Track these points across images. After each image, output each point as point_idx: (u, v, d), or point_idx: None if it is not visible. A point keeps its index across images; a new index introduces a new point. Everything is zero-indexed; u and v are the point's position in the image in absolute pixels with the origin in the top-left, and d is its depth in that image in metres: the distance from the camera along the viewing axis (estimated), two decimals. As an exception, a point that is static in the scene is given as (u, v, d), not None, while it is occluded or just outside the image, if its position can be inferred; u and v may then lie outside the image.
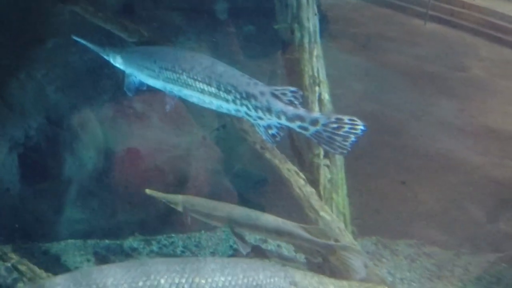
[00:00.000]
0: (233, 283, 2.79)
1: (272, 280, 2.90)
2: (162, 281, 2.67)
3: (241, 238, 4.22)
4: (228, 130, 5.30)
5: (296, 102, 3.57)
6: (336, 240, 4.08)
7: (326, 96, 4.50)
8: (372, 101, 6.70)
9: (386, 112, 6.75)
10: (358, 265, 3.62)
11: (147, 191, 4.41)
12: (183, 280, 2.69)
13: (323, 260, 4.06)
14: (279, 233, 4.13)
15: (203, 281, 2.72)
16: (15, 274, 4.27)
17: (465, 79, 8.36)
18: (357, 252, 3.76)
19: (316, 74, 4.52)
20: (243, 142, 4.85)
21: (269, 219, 4.16)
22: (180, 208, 4.37)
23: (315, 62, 4.55)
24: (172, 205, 4.42)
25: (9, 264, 4.27)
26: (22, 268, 4.29)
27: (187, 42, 4.97)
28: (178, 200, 4.39)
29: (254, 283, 2.83)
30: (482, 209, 6.18)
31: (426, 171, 6.51)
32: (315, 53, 4.54)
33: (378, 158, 6.27)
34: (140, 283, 2.63)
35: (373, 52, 8.04)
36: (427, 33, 9.48)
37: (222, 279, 2.77)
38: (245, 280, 2.82)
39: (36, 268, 4.27)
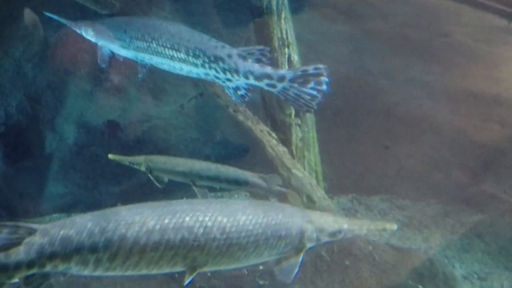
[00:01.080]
0: (253, 221, 2.91)
1: (290, 219, 3.02)
2: (187, 218, 2.80)
3: (201, 191, 4.35)
4: (205, 98, 5.33)
5: (264, 60, 3.63)
6: (309, 196, 4.21)
7: (295, 57, 4.57)
8: (353, 66, 6.72)
9: (368, 77, 6.77)
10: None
11: (110, 155, 4.50)
12: (206, 219, 2.81)
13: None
14: (238, 182, 4.33)
15: (225, 220, 2.84)
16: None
17: (448, 45, 8.33)
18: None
19: (285, 36, 4.57)
20: (220, 109, 4.90)
21: (229, 170, 4.35)
22: (143, 168, 4.47)
23: (284, 25, 4.60)
24: (136, 166, 4.50)
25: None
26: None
27: (161, 12, 4.97)
28: (141, 160, 4.49)
29: (273, 222, 2.96)
30: (465, 172, 6.22)
31: (409, 135, 6.52)
32: (283, 15, 4.58)
33: (361, 123, 6.30)
34: (166, 220, 2.75)
35: (354, 19, 8.02)
36: (411, 0, 9.45)
37: (244, 218, 2.89)
38: (265, 219, 2.94)
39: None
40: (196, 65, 3.84)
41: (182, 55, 3.87)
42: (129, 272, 2.82)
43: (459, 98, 7.13)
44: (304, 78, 3.53)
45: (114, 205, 5.58)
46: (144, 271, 2.84)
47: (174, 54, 3.90)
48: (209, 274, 4.26)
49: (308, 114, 4.63)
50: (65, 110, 5.42)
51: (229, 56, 3.72)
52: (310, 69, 3.53)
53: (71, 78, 5.37)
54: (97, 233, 2.72)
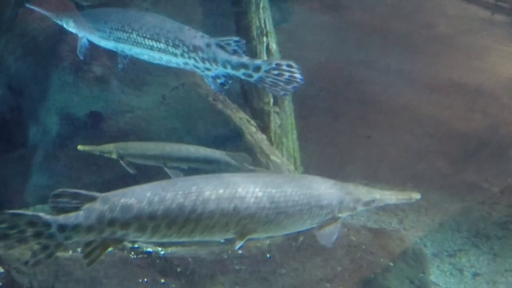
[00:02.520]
0: (299, 192, 3.13)
1: (331, 190, 3.27)
2: (239, 189, 2.99)
3: (173, 171, 4.48)
4: (186, 88, 5.37)
5: (240, 51, 3.70)
6: None
7: (274, 46, 4.64)
8: (334, 56, 6.77)
9: (350, 67, 6.82)
10: None
11: (79, 147, 4.56)
12: (257, 189, 3.01)
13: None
14: (208, 161, 4.50)
15: (273, 190, 3.05)
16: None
17: (431, 36, 8.37)
18: None
19: (263, 25, 4.64)
20: (201, 99, 4.95)
21: (199, 150, 4.52)
22: (114, 156, 4.52)
23: (262, 14, 4.66)
24: (107, 155, 4.56)
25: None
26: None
27: (143, 4, 5.00)
28: (111, 148, 4.55)
29: (316, 193, 3.19)
30: (447, 161, 6.29)
31: (391, 125, 6.58)
32: (261, 4, 4.65)
33: (342, 112, 6.37)
34: (221, 191, 2.93)
35: (339, 12, 8.05)
36: (395, -8, 9.48)
37: (290, 189, 3.10)
38: (309, 191, 3.17)
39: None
40: (175, 55, 3.89)
41: (162, 45, 3.93)
42: (183, 239, 3.03)
43: (442, 88, 7.19)
44: (278, 70, 3.63)
45: (97, 195, 5.68)
46: (197, 238, 3.04)
47: (153, 44, 3.96)
48: (189, 259, 4.35)
49: (286, 102, 4.71)
50: (48, 101, 5.44)
51: (208, 45, 3.79)
52: (284, 64, 3.62)
53: (54, 70, 5.39)
54: (156, 202, 2.88)
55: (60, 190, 2.88)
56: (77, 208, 2.82)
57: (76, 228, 2.79)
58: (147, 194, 2.91)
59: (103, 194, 2.93)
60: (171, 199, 2.89)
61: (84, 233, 2.81)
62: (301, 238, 4.36)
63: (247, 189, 3.01)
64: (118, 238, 2.89)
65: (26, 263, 2.88)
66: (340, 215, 3.28)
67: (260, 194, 3.03)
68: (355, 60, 6.91)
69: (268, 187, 3.06)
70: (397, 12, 8.84)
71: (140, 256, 4.38)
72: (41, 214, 2.81)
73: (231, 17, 4.88)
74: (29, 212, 2.83)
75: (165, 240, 3.02)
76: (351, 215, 3.46)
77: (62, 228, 2.78)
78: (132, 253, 4.39)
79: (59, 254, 4.37)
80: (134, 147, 4.65)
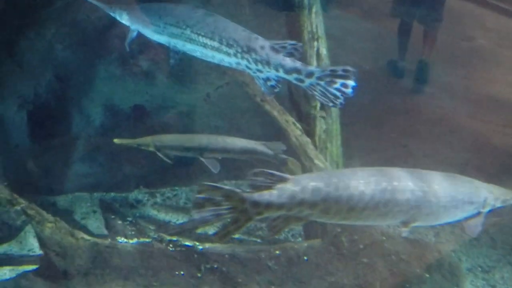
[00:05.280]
0: (456, 189, 3.49)
1: (478, 189, 3.64)
2: (410, 183, 3.30)
3: (210, 161, 4.59)
4: (232, 87, 5.41)
5: (296, 54, 3.71)
6: None
7: (324, 51, 4.64)
8: (378, 64, 6.79)
9: (389, 75, 6.82)
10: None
11: (116, 140, 4.62)
12: (424, 184, 3.34)
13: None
14: (244, 151, 4.64)
15: (437, 187, 3.38)
16: (24, 217, 4.47)
17: (470, 49, 8.33)
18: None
19: (314, 30, 4.65)
20: (246, 99, 4.99)
21: (235, 141, 4.65)
22: (152, 148, 4.59)
23: (314, 18, 4.67)
24: (144, 148, 4.62)
25: (18, 208, 4.46)
26: (31, 212, 4.49)
27: (192, 2, 5.05)
28: (148, 141, 4.61)
29: (468, 191, 3.55)
30: (482, 174, 6.24)
31: (428, 136, 6.57)
32: (314, 9, 4.66)
33: (382, 120, 6.38)
34: (395, 183, 3.25)
35: (379, 19, 8.05)
36: (436, 3, 9.43)
37: (450, 186, 3.45)
38: (463, 189, 3.54)
39: (44, 212, 4.47)
40: (228, 54, 3.91)
41: (216, 44, 3.94)
42: (359, 222, 3.37)
43: (480, 101, 7.15)
44: (331, 77, 3.62)
45: (136, 188, 5.77)
46: (371, 222, 3.44)
47: (207, 42, 3.98)
48: (226, 256, 4.40)
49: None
50: (93, 92, 5.51)
51: (262, 47, 3.79)
52: (339, 69, 3.62)
53: (101, 61, 5.47)
54: (341, 188, 3.17)
55: (258, 169, 3.13)
56: (269, 187, 3.09)
57: (268, 205, 3.08)
58: (334, 180, 3.20)
59: (294, 177, 3.21)
60: (354, 186, 3.18)
61: (274, 211, 3.11)
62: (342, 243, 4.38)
63: (417, 184, 3.32)
64: (301, 216, 3.19)
65: (215, 234, 3.17)
66: (483, 210, 3.63)
67: (426, 189, 3.33)
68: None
69: (432, 183, 3.39)
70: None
71: (178, 249, 4.44)
72: (238, 190, 3.08)
73: (281, 20, 4.90)
74: (226, 186, 3.09)
75: (343, 222, 3.36)
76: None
77: (255, 204, 3.06)
78: (171, 245, 4.45)
79: (98, 241, 4.49)
80: (171, 139, 4.71)
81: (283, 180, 3.12)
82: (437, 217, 3.48)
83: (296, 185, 3.12)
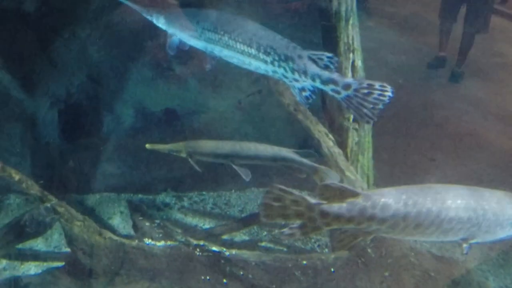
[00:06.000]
0: (507, 208, 3.47)
1: None
2: (472, 201, 3.34)
3: (242, 169, 4.59)
4: (263, 96, 5.42)
5: (331, 67, 3.71)
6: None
7: (359, 63, 4.64)
8: (410, 77, 6.79)
9: (420, 89, 6.82)
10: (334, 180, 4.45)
11: (147, 145, 4.65)
12: (484, 203, 3.36)
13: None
14: (275, 159, 4.64)
15: (495, 205, 3.39)
16: (53, 214, 4.52)
17: (501, 65, 8.29)
18: (333, 174, 4.58)
19: (350, 42, 4.64)
20: (277, 107, 4.99)
21: (267, 148, 4.64)
22: (184, 154, 4.60)
23: (351, 30, 4.66)
24: (175, 154, 4.64)
25: (48, 205, 4.51)
26: (60, 209, 4.54)
27: (227, 8, 5.06)
28: (180, 147, 4.63)
29: None
30: (509, 191, 6.19)
31: (456, 150, 6.54)
32: (351, 21, 4.64)
33: (412, 133, 6.37)
34: (459, 201, 3.29)
35: (409, 31, 8.05)
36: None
37: (507, 205, 3.44)
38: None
39: (73, 211, 4.52)
40: (265, 62, 3.91)
41: (253, 51, 3.95)
42: (422, 238, 3.46)
43: (508, 118, 7.11)
44: (368, 91, 3.62)
45: (164, 190, 5.80)
46: (433, 238, 3.42)
47: (244, 48, 3.98)
48: (253, 264, 4.40)
49: (366, 119, 4.71)
50: (125, 94, 5.56)
51: (300, 57, 3.79)
52: (376, 85, 3.62)
53: (134, 64, 5.51)
54: (410, 205, 3.23)
55: (331, 182, 3.23)
56: (340, 200, 3.16)
57: (337, 217, 3.15)
58: (403, 197, 3.25)
59: (364, 192, 3.26)
60: (421, 204, 3.24)
61: (343, 223, 3.18)
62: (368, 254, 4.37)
63: (478, 203, 3.36)
64: (369, 231, 3.24)
65: (281, 231, 3.23)
66: None
67: (486, 207, 3.37)
68: (429, 83, 6.90)
69: (491, 201, 3.41)
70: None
71: (205, 254, 4.45)
72: (307, 197, 3.14)
73: (316, 30, 4.90)
74: (296, 191, 3.15)
75: (407, 237, 3.46)
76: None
77: (324, 214, 3.13)
78: (198, 250, 4.46)
79: (126, 241, 4.52)
80: (204, 145, 4.72)
81: (354, 194, 3.19)
82: (494, 234, 3.51)
83: (366, 200, 3.19)
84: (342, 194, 3.16)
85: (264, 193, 3.20)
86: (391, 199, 3.23)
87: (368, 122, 3.78)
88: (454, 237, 3.43)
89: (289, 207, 3.14)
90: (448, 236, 3.40)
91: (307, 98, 3.86)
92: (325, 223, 3.15)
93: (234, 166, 4.57)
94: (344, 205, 3.15)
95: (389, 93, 3.59)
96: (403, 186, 3.36)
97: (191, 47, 4.44)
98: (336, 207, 3.14)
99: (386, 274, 4.40)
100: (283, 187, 3.14)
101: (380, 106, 3.63)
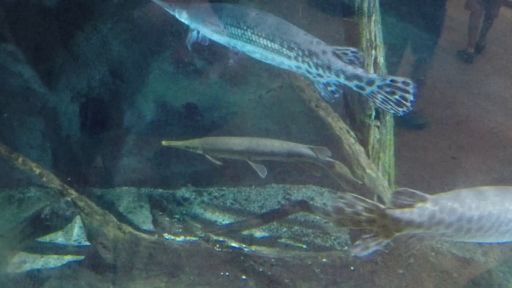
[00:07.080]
0: None
1: None
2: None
3: (258, 165, 4.59)
4: (283, 91, 5.39)
5: (356, 62, 3.68)
6: (380, 197, 4.30)
7: (381, 60, 4.60)
8: (432, 75, 6.71)
9: (441, 86, 6.74)
10: (349, 176, 4.58)
11: (164, 142, 4.65)
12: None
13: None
14: (290, 154, 4.64)
15: None
16: (74, 208, 4.54)
17: (523, 62, 8.17)
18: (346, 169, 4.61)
19: (373, 38, 4.60)
20: (298, 103, 4.95)
21: (283, 144, 4.63)
22: (200, 151, 4.61)
23: (373, 27, 4.62)
24: (192, 150, 4.64)
25: (69, 199, 4.54)
26: (81, 203, 4.56)
27: (249, 3, 5.04)
28: (196, 143, 4.63)
29: None
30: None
31: (477, 148, 6.49)
32: (373, 18, 4.60)
33: (433, 131, 6.31)
34: (506, 204, 3.28)
35: (435, 29, 7.97)
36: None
37: None
38: None
39: (93, 205, 4.54)
40: (289, 57, 3.88)
41: (276, 46, 3.92)
42: (482, 240, 3.45)
43: (532, 117, 7.02)
44: (391, 87, 3.61)
45: (184, 185, 5.80)
46: (492, 240, 3.45)
47: (268, 44, 3.95)
48: (272, 260, 4.38)
49: (387, 117, 4.67)
50: (146, 88, 5.56)
51: (324, 52, 3.75)
52: (400, 81, 3.60)
53: (155, 59, 5.50)
54: (474, 208, 3.28)
55: (402, 188, 3.28)
56: (410, 206, 3.23)
57: (409, 223, 3.21)
58: (467, 200, 3.29)
59: (433, 196, 3.31)
60: (483, 207, 3.28)
61: (414, 228, 3.24)
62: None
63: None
64: (436, 235, 3.31)
65: (354, 244, 3.28)
66: None
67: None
68: (452, 81, 6.83)
69: None
70: (491, 35, 8.63)
71: (225, 250, 4.44)
72: (381, 206, 3.22)
73: (339, 26, 4.86)
74: (369, 200, 3.23)
75: (467, 240, 3.45)
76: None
77: (396, 221, 3.20)
78: (217, 245, 4.46)
79: (145, 236, 4.52)
80: (220, 142, 4.72)
81: (423, 199, 3.24)
82: None
83: (435, 205, 3.25)
84: (413, 199, 3.22)
85: (336, 197, 3.25)
86: (457, 202, 3.29)
87: (397, 113, 3.73)
88: (510, 238, 3.45)
89: (362, 214, 3.19)
90: (505, 237, 3.43)
91: (332, 93, 3.83)
92: (396, 229, 3.20)
93: (250, 163, 4.58)
94: (415, 210, 3.21)
95: (411, 96, 3.57)
96: (458, 190, 3.39)
97: (212, 42, 4.42)
98: (407, 213, 3.20)
99: (405, 273, 4.36)
100: (356, 195, 3.20)
101: (404, 103, 3.62)
